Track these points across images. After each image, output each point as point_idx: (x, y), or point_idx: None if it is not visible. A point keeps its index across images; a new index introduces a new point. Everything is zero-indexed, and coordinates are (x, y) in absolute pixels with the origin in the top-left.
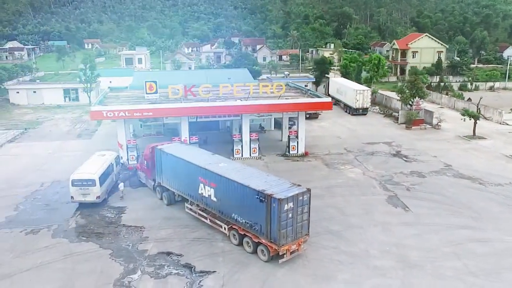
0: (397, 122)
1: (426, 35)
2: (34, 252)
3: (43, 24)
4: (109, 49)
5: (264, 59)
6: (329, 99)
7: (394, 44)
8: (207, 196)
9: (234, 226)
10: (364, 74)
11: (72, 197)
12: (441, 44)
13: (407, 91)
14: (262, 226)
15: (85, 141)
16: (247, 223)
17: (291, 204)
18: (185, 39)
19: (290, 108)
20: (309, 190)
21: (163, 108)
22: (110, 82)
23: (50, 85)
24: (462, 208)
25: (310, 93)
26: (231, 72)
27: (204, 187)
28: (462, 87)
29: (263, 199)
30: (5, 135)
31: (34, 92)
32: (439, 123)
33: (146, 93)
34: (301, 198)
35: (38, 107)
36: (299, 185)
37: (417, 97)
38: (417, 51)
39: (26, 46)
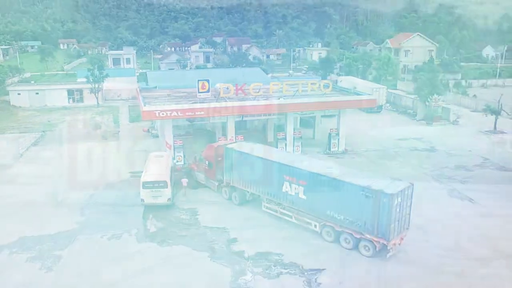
0: (415, 119)
1: (417, 34)
2: (128, 257)
3: (13, 23)
4: (88, 49)
5: (254, 58)
6: (373, 96)
7: (387, 43)
8: (293, 194)
9: (328, 223)
10: (369, 73)
11: (142, 200)
12: (432, 43)
13: (425, 88)
14: (367, 221)
15: (114, 142)
16: (347, 219)
17: (399, 199)
18: (166, 39)
19: (338, 105)
20: (412, 184)
21: (216, 107)
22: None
23: (53, 86)
24: None
25: (354, 92)
26: (246, 71)
27: (290, 185)
28: (457, 85)
29: (370, 195)
30: (24, 139)
31: (37, 93)
32: (457, 119)
33: (199, 92)
34: (407, 192)
35: (42, 109)
36: (399, 180)
37: (435, 94)
38: (409, 50)
39: (1, 47)
